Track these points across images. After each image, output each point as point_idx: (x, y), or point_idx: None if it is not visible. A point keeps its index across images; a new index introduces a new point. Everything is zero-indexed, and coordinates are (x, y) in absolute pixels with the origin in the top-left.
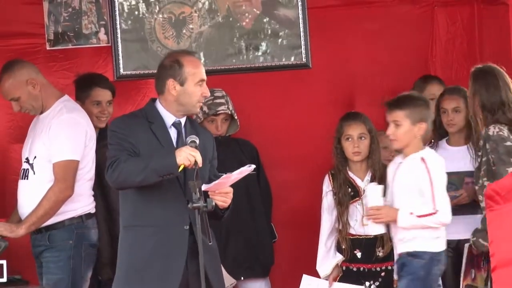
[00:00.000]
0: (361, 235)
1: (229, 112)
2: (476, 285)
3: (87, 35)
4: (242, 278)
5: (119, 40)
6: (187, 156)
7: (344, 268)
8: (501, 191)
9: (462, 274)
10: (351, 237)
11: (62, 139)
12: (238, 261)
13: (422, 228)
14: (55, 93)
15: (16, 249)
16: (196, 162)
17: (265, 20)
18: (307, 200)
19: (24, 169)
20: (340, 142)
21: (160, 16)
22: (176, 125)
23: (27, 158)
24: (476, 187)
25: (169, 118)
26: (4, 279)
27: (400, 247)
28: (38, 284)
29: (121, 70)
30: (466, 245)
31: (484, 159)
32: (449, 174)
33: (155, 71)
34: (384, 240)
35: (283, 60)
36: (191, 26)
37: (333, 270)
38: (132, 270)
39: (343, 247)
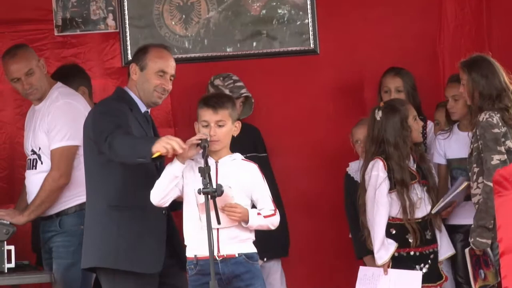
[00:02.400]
0: (410, 219)
1: (250, 95)
2: (489, 283)
3: (95, 21)
4: (265, 260)
5: (127, 26)
6: (164, 144)
7: (396, 254)
8: (509, 177)
9: (472, 279)
10: (401, 222)
11: (59, 125)
12: (261, 243)
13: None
14: (49, 81)
15: (24, 235)
16: (203, 143)
17: (273, 6)
18: (316, 186)
19: (31, 159)
20: (404, 126)
21: (168, 2)
22: (146, 116)
23: (32, 150)
24: (469, 173)
25: (141, 106)
26: (13, 265)
27: None
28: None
29: (129, 56)
30: (466, 250)
31: (475, 145)
32: (459, 160)
33: None
34: (432, 222)
35: (291, 46)
36: (199, 12)
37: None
38: (122, 250)
39: (394, 232)
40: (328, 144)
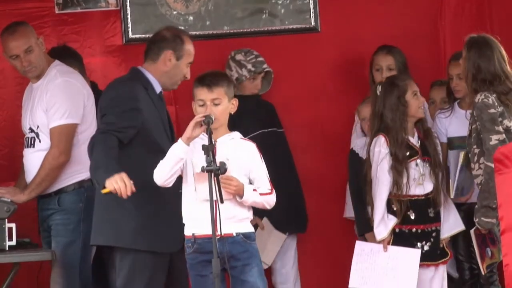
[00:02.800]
0: (413, 196)
1: (271, 70)
2: (496, 260)
3: None
4: (287, 234)
5: (128, 3)
6: (114, 183)
7: (397, 230)
8: (510, 154)
9: (479, 259)
10: (403, 199)
11: (58, 103)
12: (284, 217)
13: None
14: (48, 59)
15: (25, 213)
16: (207, 120)
17: None
18: (317, 163)
19: (29, 137)
20: (401, 101)
21: None
22: (161, 97)
23: (30, 128)
24: (469, 155)
25: (156, 87)
26: (14, 242)
27: None
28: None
29: (130, 34)
30: (472, 231)
31: (473, 127)
32: (461, 138)
33: None
34: (434, 200)
35: (292, 24)
36: None
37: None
38: (140, 230)
39: (395, 208)
40: (329, 122)
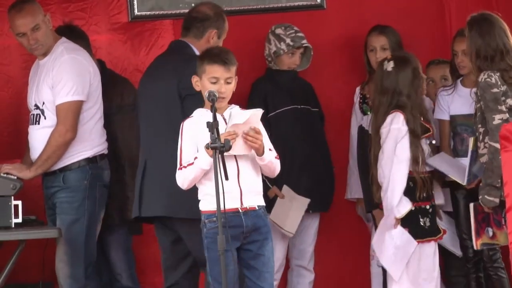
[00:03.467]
0: (423, 173)
1: (310, 46)
2: (497, 242)
3: None
4: (310, 212)
5: None
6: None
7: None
8: None
9: (473, 234)
10: (422, 175)
11: (64, 80)
12: (309, 195)
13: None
14: (54, 36)
15: (31, 190)
16: (211, 97)
17: None
18: None
19: (34, 114)
20: (417, 76)
21: None
22: None
23: (36, 105)
24: (476, 134)
25: None
26: (20, 220)
27: None
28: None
29: (136, 11)
30: (471, 205)
31: (478, 105)
32: (464, 117)
33: (170, 12)
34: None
35: (298, 1)
36: None
37: None
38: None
39: (412, 185)
40: (335, 100)
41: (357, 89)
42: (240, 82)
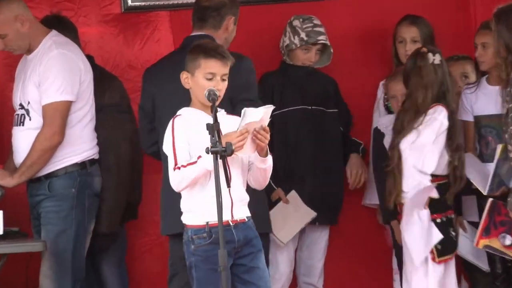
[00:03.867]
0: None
1: (328, 43)
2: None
3: None
4: (316, 224)
5: None
6: None
7: (438, 220)
8: None
9: (480, 229)
10: (443, 181)
11: (52, 77)
12: (316, 207)
13: None
14: (42, 30)
15: (14, 199)
16: (212, 96)
17: None
18: None
19: (18, 114)
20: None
21: None
22: None
23: (21, 104)
24: (506, 135)
25: None
26: (1, 231)
27: None
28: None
29: (129, 1)
30: (490, 200)
31: (510, 105)
32: (489, 117)
33: (167, 2)
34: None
35: None
36: None
37: None
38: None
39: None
40: (354, 96)
41: (381, 84)
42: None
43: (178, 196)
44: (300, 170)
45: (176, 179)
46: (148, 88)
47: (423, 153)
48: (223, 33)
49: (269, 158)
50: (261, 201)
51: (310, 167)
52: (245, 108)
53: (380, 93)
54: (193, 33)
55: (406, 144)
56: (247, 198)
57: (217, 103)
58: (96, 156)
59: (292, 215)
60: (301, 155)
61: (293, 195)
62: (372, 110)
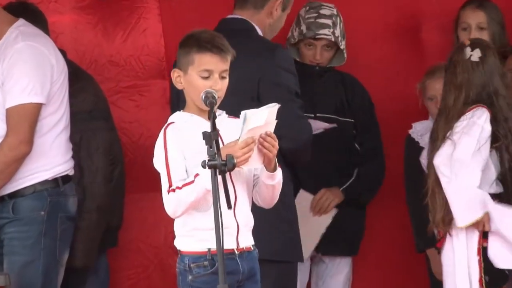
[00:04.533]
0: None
1: (332, 39)
2: None
3: None
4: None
5: None
6: None
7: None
8: None
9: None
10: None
11: (18, 75)
12: (330, 238)
13: None
14: (6, 19)
15: None
16: (210, 100)
17: None
18: None
19: None
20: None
21: None
22: None
23: None
24: None
25: None
26: None
27: None
28: None
29: None
30: None
31: None
32: None
33: None
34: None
35: None
36: None
37: None
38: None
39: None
40: (378, 98)
41: (419, 86)
42: None
43: None
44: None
45: (171, 204)
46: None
47: (461, 169)
48: (266, 17)
49: (279, 172)
50: (271, 219)
51: (318, 189)
52: (244, 111)
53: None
54: (231, 15)
55: (440, 160)
56: (252, 222)
57: (215, 107)
58: (71, 172)
59: (308, 222)
60: (306, 175)
61: (303, 195)
62: (403, 117)
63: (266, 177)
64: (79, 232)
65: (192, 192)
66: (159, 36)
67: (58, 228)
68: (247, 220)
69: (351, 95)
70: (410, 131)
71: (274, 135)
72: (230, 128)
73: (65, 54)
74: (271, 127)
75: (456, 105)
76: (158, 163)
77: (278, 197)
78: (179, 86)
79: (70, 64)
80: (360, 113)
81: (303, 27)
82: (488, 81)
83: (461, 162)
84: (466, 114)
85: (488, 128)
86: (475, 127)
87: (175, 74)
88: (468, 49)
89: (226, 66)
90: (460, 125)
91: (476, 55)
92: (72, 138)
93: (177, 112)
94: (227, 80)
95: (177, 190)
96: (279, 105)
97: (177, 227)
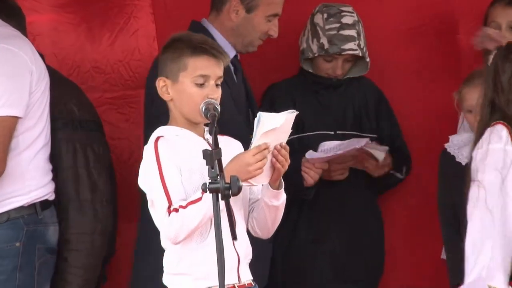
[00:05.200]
0: None
1: (359, 54)
2: None
3: None
4: None
5: None
6: None
7: None
8: None
9: None
10: None
11: None
12: (339, 267)
13: None
14: None
15: None
16: (211, 111)
17: None
18: None
19: None
20: None
21: None
22: (235, 63)
23: None
24: None
25: (228, 50)
26: None
27: None
28: None
29: None
30: None
31: None
32: None
33: None
34: None
35: None
36: None
37: None
38: None
39: None
40: (406, 109)
41: (456, 96)
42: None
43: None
44: (319, 220)
45: (174, 227)
46: None
47: (487, 211)
48: (227, 21)
49: (283, 191)
50: (266, 251)
51: (333, 216)
52: (260, 112)
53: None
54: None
55: (473, 194)
56: (251, 253)
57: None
58: (51, 197)
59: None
60: (320, 201)
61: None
62: (435, 132)
63: (271, 197)
64: (70, 271)
65: (199, 211)
66: (152, 39)
67: (35, 261)
68: (247, 251)
69: (373, 105)
70: (446, 145)
71: (288, 148)
72: (226, 149)
73: (43, 58)
74: (285, 136)
75: (482, 120)
76: (149, 181)
77: (278, 223)
78: (166, 97)
79: (50, 71)
80: (384, 126)
81: (324, 41)
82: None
83: (482, 201)
84: (485, 134)
85: (510, 149)
86: (492, 155)
87: (161, 83)
88: (490, 55)
89: (221, 72)
90: (478, 154)
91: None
92: (55, 156)
93: (163, 127)
94: (220, 90)
95: (180, 210)
96: (297, 112)
97: (169, 263)
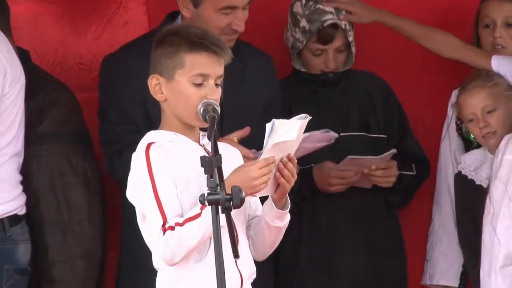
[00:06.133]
0: None
1: (338, 21)
2: None
3: None
4: None
5: None
6: None
7: None
8: None
9: None
10: None
11: None
12: (357, 282)
13: None
14: None
15: None
16: (210, 114)
17: None
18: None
19: None
20: None
21: None
22: None
23: None
24: None
25: None
26: None
27: None
28: None
29: None
30: None
31: None
32: None
33: None
34: None
35: None
36: None
37: None
38: None
39: None
40: (414, 117)
41: (453, 94)
42: None
43: None
44: (329, 234)
45: (170, 247)
46: None
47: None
48: (185, 17)
49: (287, 211)
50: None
51: (343, 230)
52: (274, 120)
53: (451, 109)
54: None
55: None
56: (255, 272)
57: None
58: (21, 211)
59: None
60: (327, 212)
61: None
62: (438, 134)
63: (274, 217)
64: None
65: (198, 229)
66: (144, 31)
67: (3, 284)
68: (251, 270)
69: (381, 102)
70: (460, 167)
71: (295, 161)
72: (225, 156)
73: (27, 54)
74: (295, 147)
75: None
76: (140, 194)
77: (277, 245)
78: (158, 97)
79: (34, 68)
80: (391, 125)
81: (304, 23)
82: None
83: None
84: (501, 143)
85: None
86: (507, 165)
87: (153, 81)
88: None
89: (222, 70)
90: (495, 165)
91: None
92: (40, 167)
93: (153, 131)
94: (220, 90)
95: (177, 228)
96: (310, 117)
97: (164, 284)
